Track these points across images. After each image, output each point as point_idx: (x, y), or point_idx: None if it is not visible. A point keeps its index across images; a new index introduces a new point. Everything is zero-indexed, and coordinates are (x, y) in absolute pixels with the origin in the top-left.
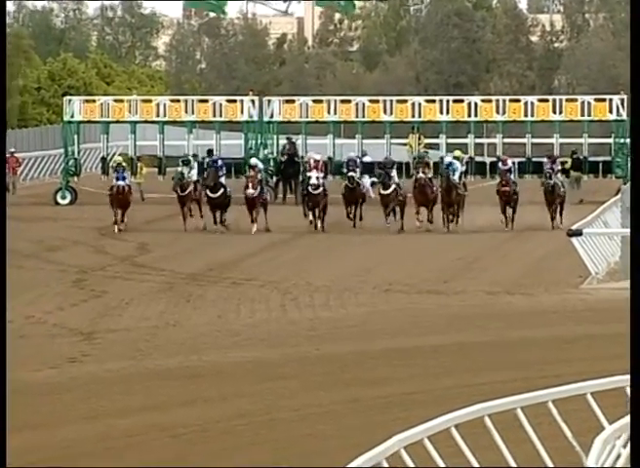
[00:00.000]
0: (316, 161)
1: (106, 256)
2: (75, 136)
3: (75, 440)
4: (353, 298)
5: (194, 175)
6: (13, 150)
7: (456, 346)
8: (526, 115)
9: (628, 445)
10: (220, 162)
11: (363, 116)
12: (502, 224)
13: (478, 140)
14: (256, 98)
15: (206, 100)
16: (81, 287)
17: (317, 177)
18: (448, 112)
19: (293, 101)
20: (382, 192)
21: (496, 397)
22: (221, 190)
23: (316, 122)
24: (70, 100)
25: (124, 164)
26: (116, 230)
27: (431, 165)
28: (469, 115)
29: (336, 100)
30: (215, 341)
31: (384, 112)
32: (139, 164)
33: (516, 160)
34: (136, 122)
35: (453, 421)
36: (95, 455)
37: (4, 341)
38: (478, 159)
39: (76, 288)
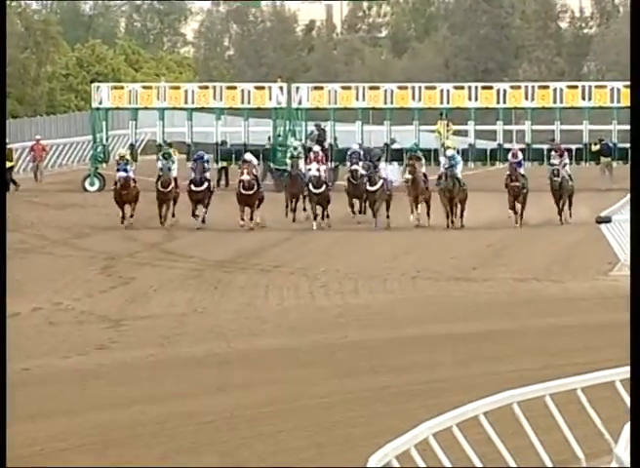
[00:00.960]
0: (315, 153)
1: (135, 243)
2: (103, 123)
3: (104, 426)
4: (381, 285)
5: (174, 169)
6: (39, 137)
7: (484, 333)
8: (555, 102)
9: None
10: (205, 156)
11: (391, 103)
12: (511, 220)
13: (507, 127)
14: (284, 85)
15: (234, 87)
16: (109, 273)
17: (318, 170)
18: (476, 99)
19: (321, 88)
20: (369, 188)
21: (524, 384)
22: (205, 185)
23: (344, 108)
24: (99, 87)
25: (127, 157)
26: (125, 225)
27: (423, 160)
28: (498, 102)
29: (364, 87)
30: (243, 328)
31: (413, 99)
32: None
33: (545, 146)
34: (164, 109)
35: (481, 409)
36: (124, 442)
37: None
38: (479, 146)
39: (104, 274)
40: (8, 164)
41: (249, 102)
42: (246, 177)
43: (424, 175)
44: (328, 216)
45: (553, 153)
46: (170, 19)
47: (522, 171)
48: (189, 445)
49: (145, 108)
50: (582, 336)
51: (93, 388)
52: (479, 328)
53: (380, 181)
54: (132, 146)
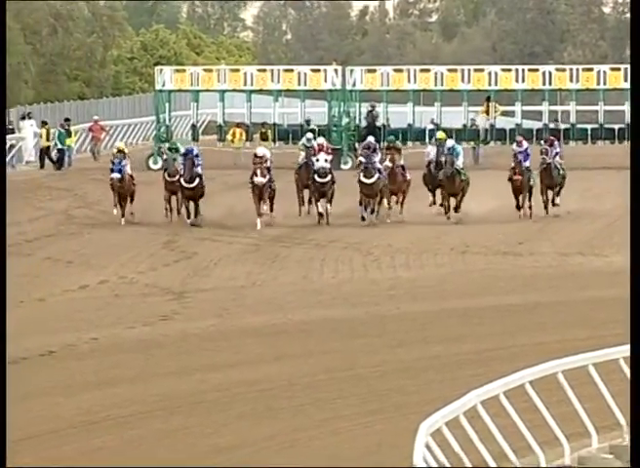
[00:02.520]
0: (320, 144)
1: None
2: (166, 105)
3: (167, 394)
4: (432, 259)
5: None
6: (96, 118)
7: (530, 305)
8: (598, 83)
9: None
10: (195, 151)
11: (441, 84)
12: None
13: (552, 108)
14: (339, 68)
15: (291, 70)
16: (172, 248)
17: (325, 160)
18: (523, 81)
19: (374, 71)
20: (364, 180)
21: (568, 354)
22: (197, 180)
23: (396, 90)
24: (162, 70)
25: (125, 150)
26: (122, 222)
27: (402, 151)
28: (544, 83)
29: (415, 70)
30: (300, 300)
31: (462, 81)
32: (237, 130)
33: (589, 126)
34: (224, 91)
35: (527, 377)
36: (186, 409)
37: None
38: (525, 126)
39: (167, 249)
40: (68, 141)
41: (305, 84)
42: (260, 180)
43: (402, 167)
44: (328, 207)
45: (542, 143)
46: (230, 4)
47: (528, 163)
48: (249, 411)
49: (206, 90)
50: (625, 308)
51: (156, 357)
52: (525, 300)
53: (377, 175)
54: (193, 126)
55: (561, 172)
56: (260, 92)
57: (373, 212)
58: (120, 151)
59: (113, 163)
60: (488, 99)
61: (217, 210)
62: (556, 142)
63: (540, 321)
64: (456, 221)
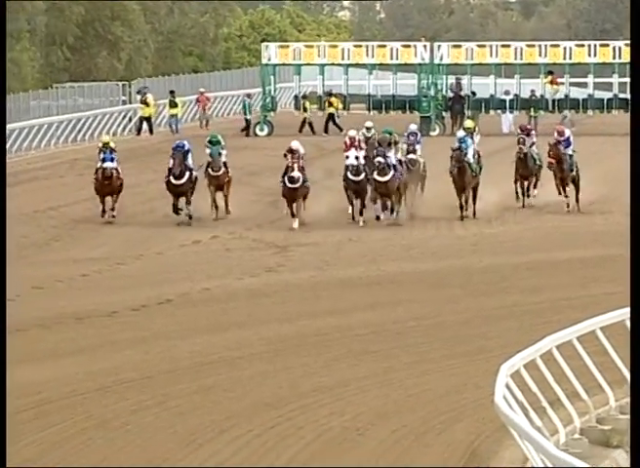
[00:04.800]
0: (352, 138)
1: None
2: (272, 77)
3: (272, 338)
4: (512, 217)
5: (224, 155)
6: (202, 90)
7: (601, 259)
8: None
9: None
10: (186, 146)
11: (521, 58)
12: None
13: (621, 80)
14: (427, 44)
15: (384, 46)
16: (277, 207)
17: (356, 158)
18: (595, 55)
19: (459, 46)
20: (378, 178)
21: None
22: (186, 175)
23: (479, 64)
24: (267, 46)
25: (112, 144)
26: (107, 217)
27: (399, 144)
28: (614, 57)
29: (497, 45)
30: (391, 254)
31: (540, 55)
32: (334, 101)
33: None
34: (324, 65)
35: (598, 324)
36: (289, 352)
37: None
38: (597, 96)
39: (273, 207)
40: (173, 111)
41: (397, 59)
42: (296, 174)
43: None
44: (363, 208)
45: (519, 131)
46: None
47: (535, 149)
48: (345, 354)
49: (308, 64)
50: None
51: (262, 305)
52: (596, 254)
53: (392, 172)
54: (296, 97)
55: (537, 162)
56: (356, 65)
57: (392, 211)
58: (106, 145)
59: (103, 152)
60: (551, 73)
61: (317, 173)
62: (533, 132)
63: (609, 273)
64: (465, 216)
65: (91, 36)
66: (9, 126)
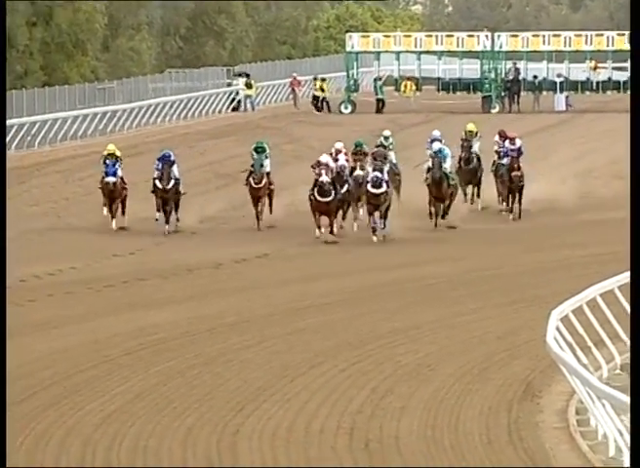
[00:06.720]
0: (338, 150)
1: None
2: (354, 63)
3: (354, 287)
4: (559, 185)
5: (267, 165)
6: (295, 74)
7: None
8: None
9: None
10: (172, 157)
11: (569, 46)
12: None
13: None
14: (489, 34)
15: (451, 35)
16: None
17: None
18: None
19: (517, 36)
20: (372, 191)
21: None
22: (172, 183)
23: (534, 51)
24: (351, 36)
25: (117, 153)
26: (114, 226)
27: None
28: None
29: (549, 35)
30: (456, 215)
31: (586, 43)
32: (408, 83)
33: None
34: (399, 52)
35: None
36: (368, 299)
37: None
38: (615, 78)
39: None
40: (248, 92)
41: (462, 47)
42: (325, 179)
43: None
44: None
45: (497, 139)
46: None
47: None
48: (418, 300)
49: (385, 51)
50: None
51: (349, 258)
52: None
53: (384, 186)
54: (375, 80)
55: (481, 165)
56: (427, 52)
57: (374, 230)
58: (111, 154)
59: (106, 165)
60: (590, 60)
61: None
62: (479, 134)
63: None
64: (446, 226)
65: (200, 27)
66: (130, 105)
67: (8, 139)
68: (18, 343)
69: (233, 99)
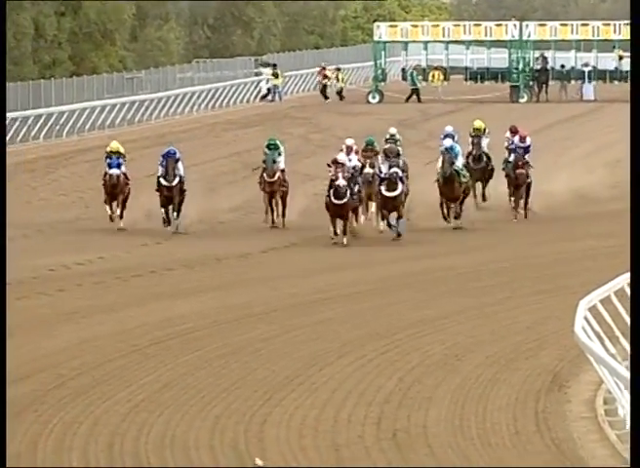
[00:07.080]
0: (348, 147)
1: (407, 142)
2: (382, 53)
3: (384, 276)
4: (587, 175)
5: (282, 161)
6: (323, 64)
7: None
8: None
9: None
10: (177, 154)
11: (598, 35)
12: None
13: None
14: (517, 23)
15: (479, 24)
16: None
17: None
18: None
19: (545, 25)
20: (386, 194)
21: None
22: (176, 180)
23: (562, 40)
24: (379, 26)
25: (121, 150)
26: (121, 224)
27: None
28: None
29: (577, 24)
30: (485, 204)
31: (614, 33)
32: (436, 73)
33: None
34: (427, 41)
35: None
36: (399, 287)
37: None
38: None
39: None
40: (275, 82)
41: (490, 36)
42: (342, 182)
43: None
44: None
45: (509, 135)
46: None
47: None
48: (446, 290)
49: (413, 41)
50: None
51: (376, 248)
52: None
53: (401, 187)
54: (403, 70)
55: (491, 163)
56: (455, 42)
57: (390, 226)
58: (114, 152)
59: (110, 158)
60: (618, 49)
61: (421, 134)
62: (487, 130)
63: None
64: (455, 227)
65: (227, 17)
66: (157, 94)
67: (36, 129)
68: (46, 333)
69: (261, 89)
